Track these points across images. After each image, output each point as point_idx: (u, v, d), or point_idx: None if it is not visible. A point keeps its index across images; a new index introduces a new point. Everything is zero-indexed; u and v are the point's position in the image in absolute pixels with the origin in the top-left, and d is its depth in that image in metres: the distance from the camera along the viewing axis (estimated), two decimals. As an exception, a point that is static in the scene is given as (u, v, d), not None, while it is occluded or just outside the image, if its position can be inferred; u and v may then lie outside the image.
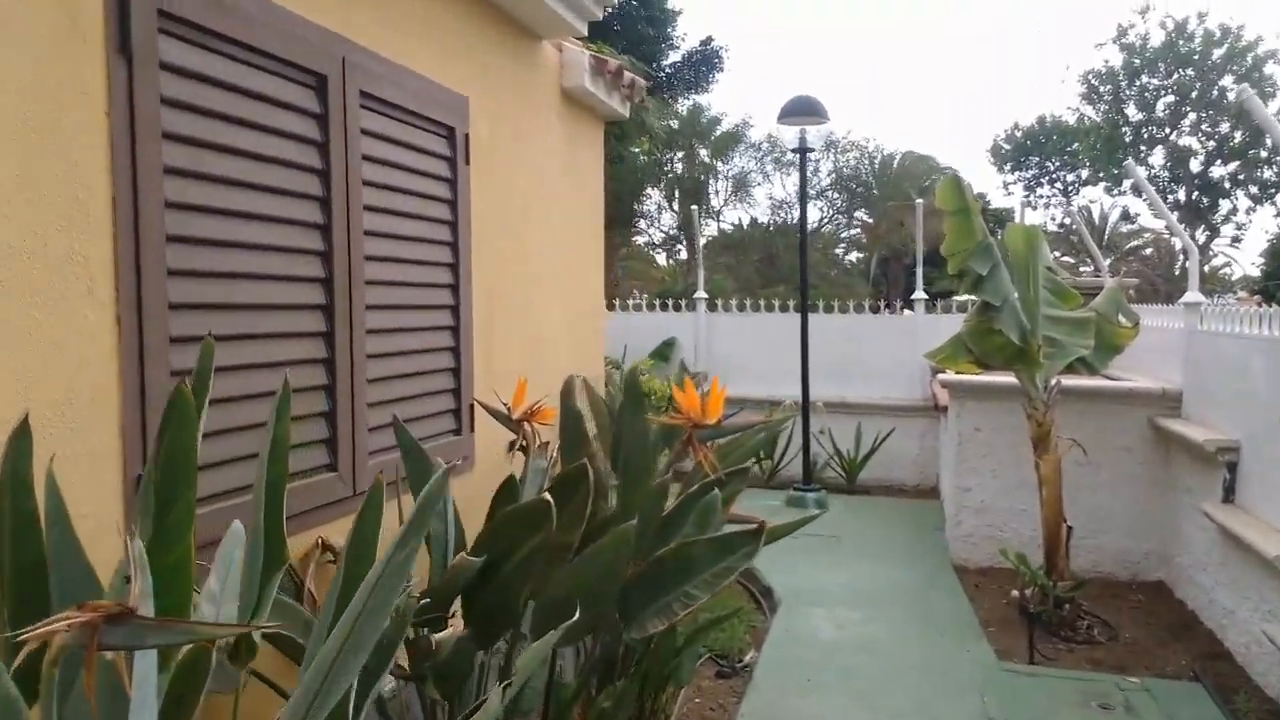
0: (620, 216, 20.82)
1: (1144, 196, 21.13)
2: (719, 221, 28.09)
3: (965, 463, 6.39)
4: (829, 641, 4.82)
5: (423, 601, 2.06)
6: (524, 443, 2.84)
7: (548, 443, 3.00)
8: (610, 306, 10.08)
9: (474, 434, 3.25)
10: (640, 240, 28.70)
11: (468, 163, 3.22)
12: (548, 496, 2.13)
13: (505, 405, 2.90)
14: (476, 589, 2.21)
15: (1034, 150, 30.28)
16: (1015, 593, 5.55)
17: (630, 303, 10.20)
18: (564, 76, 4.31)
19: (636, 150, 18.41)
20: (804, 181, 8.57)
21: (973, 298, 5.16)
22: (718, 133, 25.05)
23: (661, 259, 29.26)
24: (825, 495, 8.10)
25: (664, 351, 9.65)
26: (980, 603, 5.58)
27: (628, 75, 4.79)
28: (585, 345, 4.62)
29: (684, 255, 26.60)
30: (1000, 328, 4.78)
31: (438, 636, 2.18)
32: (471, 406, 3.20)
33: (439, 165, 3.05)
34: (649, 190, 23.56)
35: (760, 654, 4.70)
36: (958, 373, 5.57)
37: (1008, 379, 5.68)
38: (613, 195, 18.79)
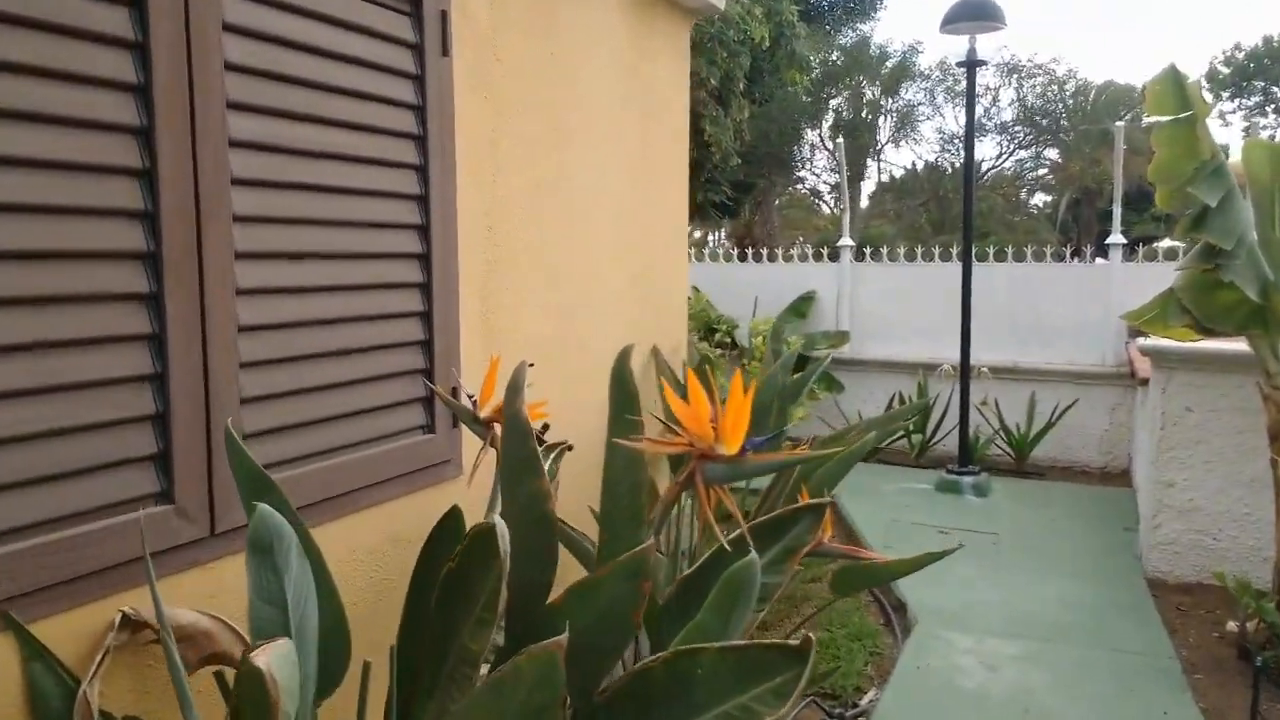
0: (775, 160, 19.47)
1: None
2: (881, 163, 26.07)
3: (1170, 451, 5.02)
4: (972, 690, 3.71)
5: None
6: (494, 446, 1.95)
7: (566, 445, 2.10)
8: (756, 257, 9.02)
9: (460, 429, 2.37)
10: (802, 188, 27.11)
11: (446, 54, 2.31)
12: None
13: (470, 398, 2.01)
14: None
15: (1259, 74, 26.29)
16: (1232, 626, 4.23)
17: (764, 252, 9.07)
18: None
19: (791, 87, 16.98)
20: (971, 100, 7.13)
21: (1181, 244, 3.82)
22: (886, 68, 23.03)
23: (826, 208, 27.53)
24: (987, 479, 6.82)
25: (800, 307, 8.50)
26: (1183, 636, 4.29)
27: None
28: (654, 308, 3.64)
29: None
30: (1231, 279, 3.45)
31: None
32: (455, 393, 2.32)
33: (394, 54, 2.15)
34: (808, 132, 21.94)
35: (878, 700, 3.67)
36: (1167, 338, 4.23)
37: (1236, 347, 4.30)
38: (764, 136, 17.51)
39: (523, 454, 1.49)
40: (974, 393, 7.30)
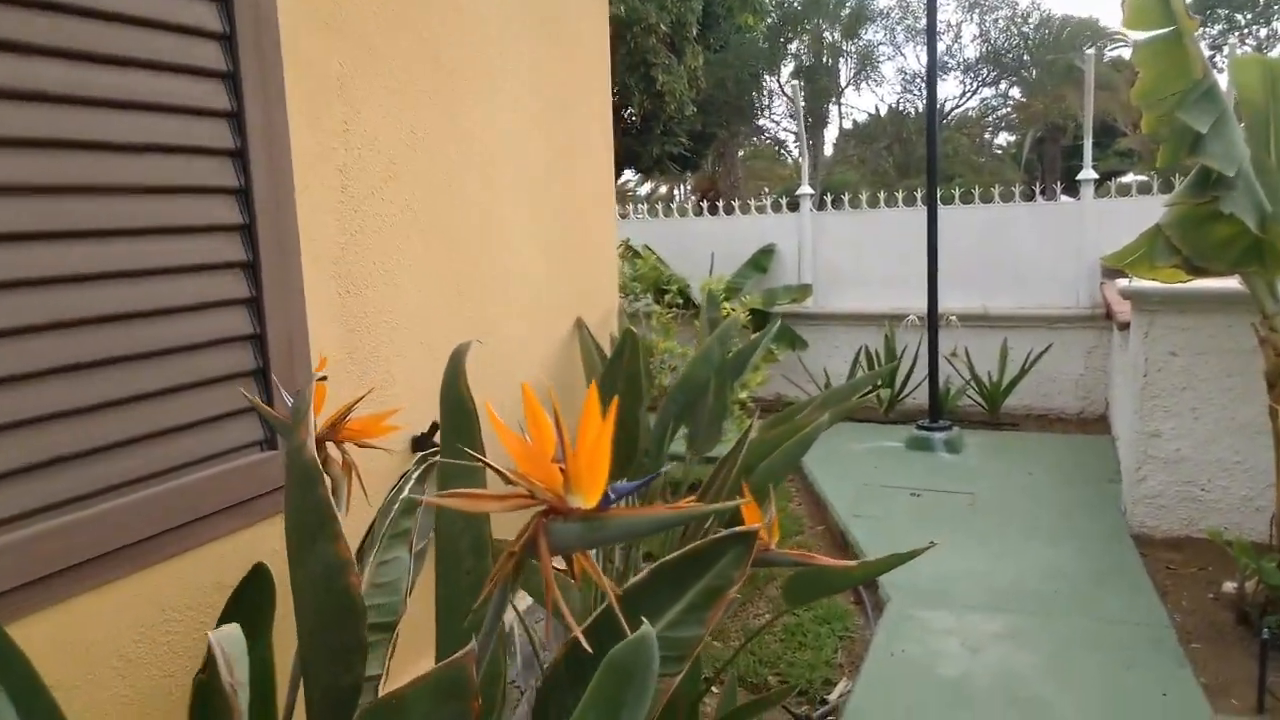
0: (734, 109, 18.85)
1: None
2: (843, 106, 25.49)
3: (1154, 399, 4.67)
4: (952, 678, 3.35)
5: None
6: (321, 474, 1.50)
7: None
8: (713, 210, 8.54)
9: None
10: (766, 138, 26.46)
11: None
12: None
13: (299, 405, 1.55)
14: None
15: (1220, 2, 25.86)
16: (1229, 586, 3.91)
17: (719, 204, 8.59)
18: None
19: (747, 32, 16.35)
20: (932, 36, 6.65)
21: (1147, 177, 3.40)
22: (846, 8, 22.36)
23: (791, 158, 26.92)
24: (959, 434, 6.46)
25: (760, 261, 8.07)
26: (1176, 599, 3.97)
27: None
28: (576, 274, 3.16)
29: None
30: (1230, 210, 3.04)
31: None
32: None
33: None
34: (767, 78, 21.30)
35: (850, 691, 3.30)
36: (1152, 279, 3.84)
37: (1225, 285, 3.95)
38: (721, 85, 16.88)
39: (309, 503, 1.05)
40: (943, 343, 6.93)
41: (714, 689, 3.27)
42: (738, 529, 1.37)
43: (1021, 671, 3.36)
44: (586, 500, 0.94)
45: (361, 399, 1.54)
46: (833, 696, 3.36)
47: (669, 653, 1.46)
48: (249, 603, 1.32)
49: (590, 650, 1.12)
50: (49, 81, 1.45)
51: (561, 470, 0.94)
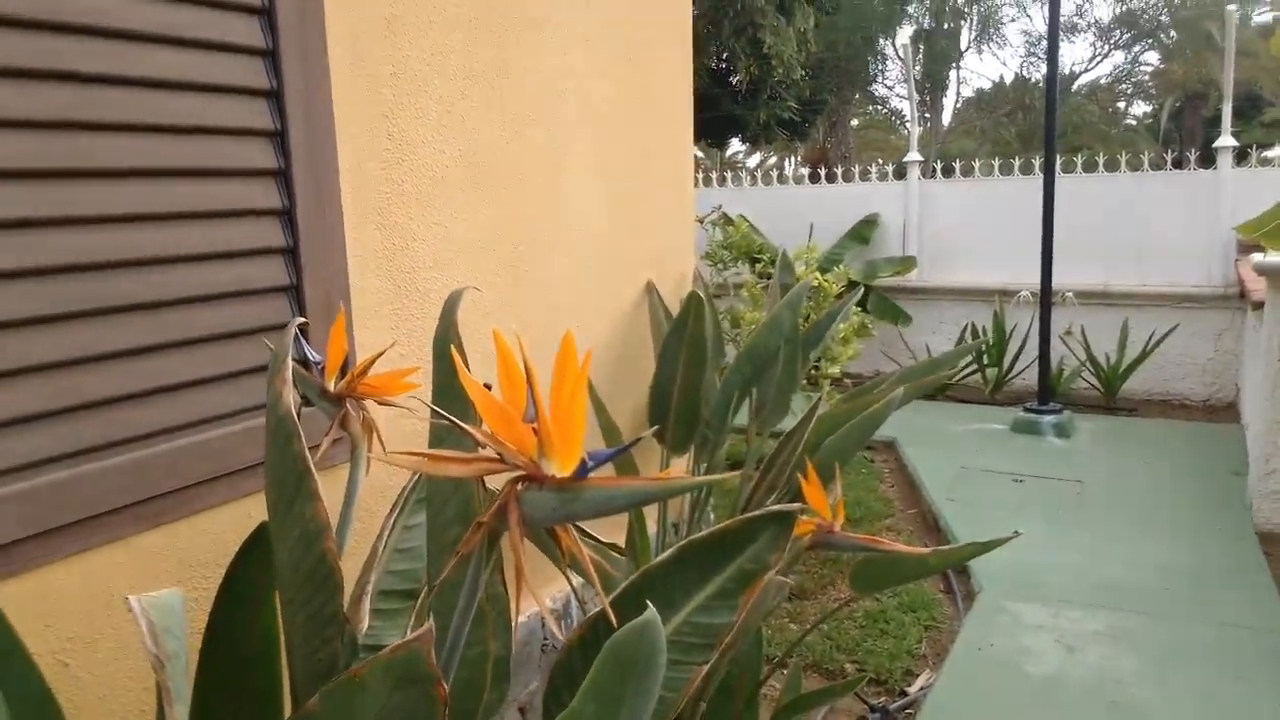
0: (848, 74, 18.21)
1: None
2: (962, 71, 24.33)
3: (1289, 386, 4.25)
4: (1045, 677, 3.12)
5: None
6: (339, 437, 1.42)
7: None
8: (814, 178, 8.24)
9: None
10: (883, 109, 25.57)
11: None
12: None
13: (318, 363, 1.48)
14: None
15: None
16: (1367, 594, 3.54)
17: (821, 172, 8.27)
18: None
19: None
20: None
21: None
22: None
23: (907, 129, 25.97)
24: (1070, 418, 6.06)
25: (862, 232, 7.74)
26: (1303, 605, 3.61)
27: None
28: (646, 235, 3.01)
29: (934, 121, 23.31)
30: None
31: None
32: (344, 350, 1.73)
33: None
34: (882, 43, 20.48)
35: (932, 684, 3.11)
36: (1289, 254, 3.46)
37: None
38: (834, 48, 16.31)
39: (286, 460, 0.96)
40: (1058, 321, 6.52)
41: (783, 672, 3.13)
42: (775, 507, 1.23)
43: (1121, 675, 3.10)
44: (561, 467, 0.82)
45: (383, 353, 1.46)
46: (913, 689, 3.18)
47: (697, 639, 1.33)
48: (254, 564, 1.26)
49: (615, 625, 1.01)
50: (73, 12, 1.39)
51: (535, 432, 0.82)
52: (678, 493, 0.92)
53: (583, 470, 0.81)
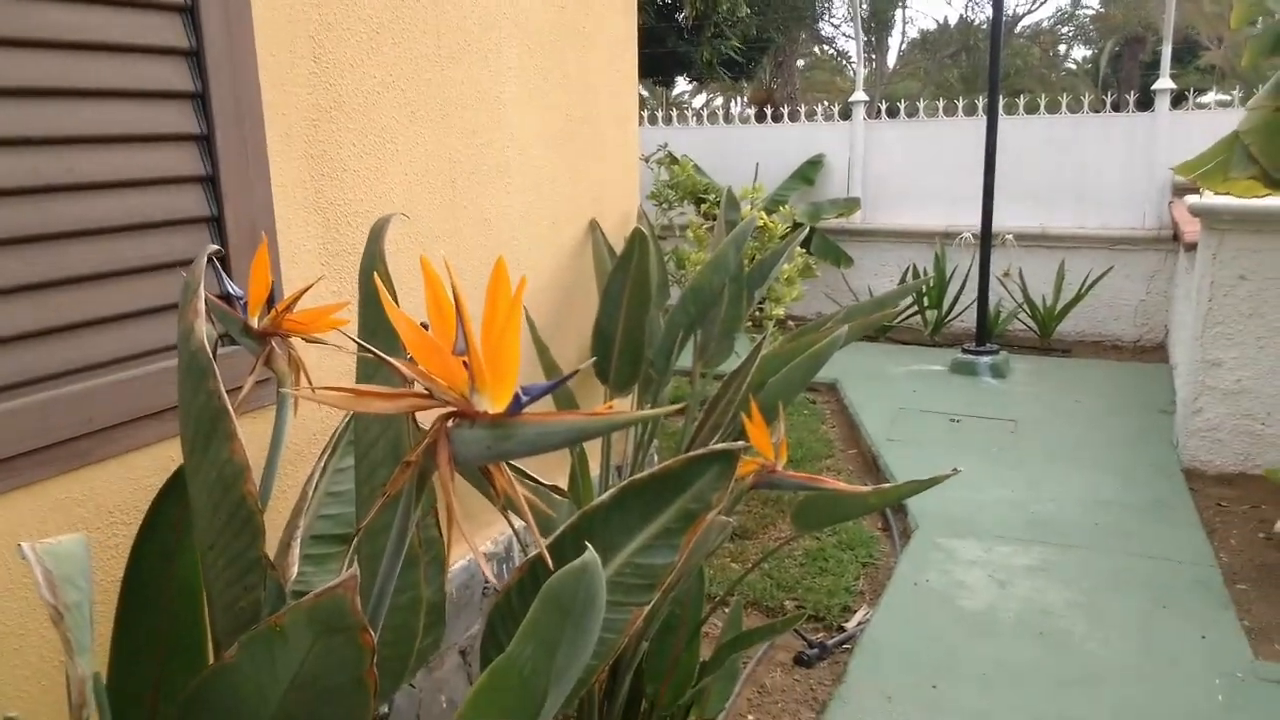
0: (794, 12, 17.98)
1: None
2: (907, 13, 24.25)
3: (1217, 326, 4.37)
4: (979, 611, 3.20)
5: None
6: (265, 378, 1.35)
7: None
8: (759, 118, 8.14)
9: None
10: (829, 49, 25.40)
11: None
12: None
13: (240, 298, 1.40)
14: None
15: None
16: (1282, 526, 3.69)
17: (767, 111, 8.19)
18: None
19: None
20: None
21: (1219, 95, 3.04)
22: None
23: (853, 70, 25.84)
24: (1006, 358, 6.18)
25: (807, 173, 7.72)
26: (1223, 538, 3.76)
27: None
28: (590, 171, 2.93)
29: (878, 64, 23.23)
30: (1321, 116, 2.71)
31: None
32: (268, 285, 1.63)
33: None
34: (828, -18, 20.27)
35: (869, 620, 3.17)
36: (1223, 194, 3.51)
37: (1307, 204, 3.61)
38: (781, -13, 16.03)
39: (200, 398, 0.90)
40: (997, 263, 6.62)
41: (724, 610, 3.16)
42: (719, 446, 1.20)
43: (1051, 606, 3.20)
44: (494, 402, 0.78)
45: (310, 287, 1.38)
46: (850, 624, 3.24)
47: (638, 580, 1.31)
48: (173, 509, 1.20)
49: (552, 568, 0.98)
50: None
51: (466, 366, 0.77)
52: (617, 428, 0.88)
53: (516, 405, 0.77)
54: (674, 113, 9.16)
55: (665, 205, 6.32)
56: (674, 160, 6.78)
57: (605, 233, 2.96)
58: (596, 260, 2.88)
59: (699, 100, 26.84)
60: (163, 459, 1.59)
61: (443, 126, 2.24)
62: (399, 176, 2.11)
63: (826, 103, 8.26)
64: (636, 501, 1.26)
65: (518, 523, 2.37)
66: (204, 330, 0.94)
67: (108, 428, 1.50)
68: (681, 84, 20.71)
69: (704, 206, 6.63)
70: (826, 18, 22.41)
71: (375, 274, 0.97)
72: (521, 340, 0.80)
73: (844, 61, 25.85)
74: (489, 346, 0.76)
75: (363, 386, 0.80)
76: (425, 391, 0.79)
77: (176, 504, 1.20)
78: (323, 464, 1.45)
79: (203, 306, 0.96)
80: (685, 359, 2.90)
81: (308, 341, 1.41)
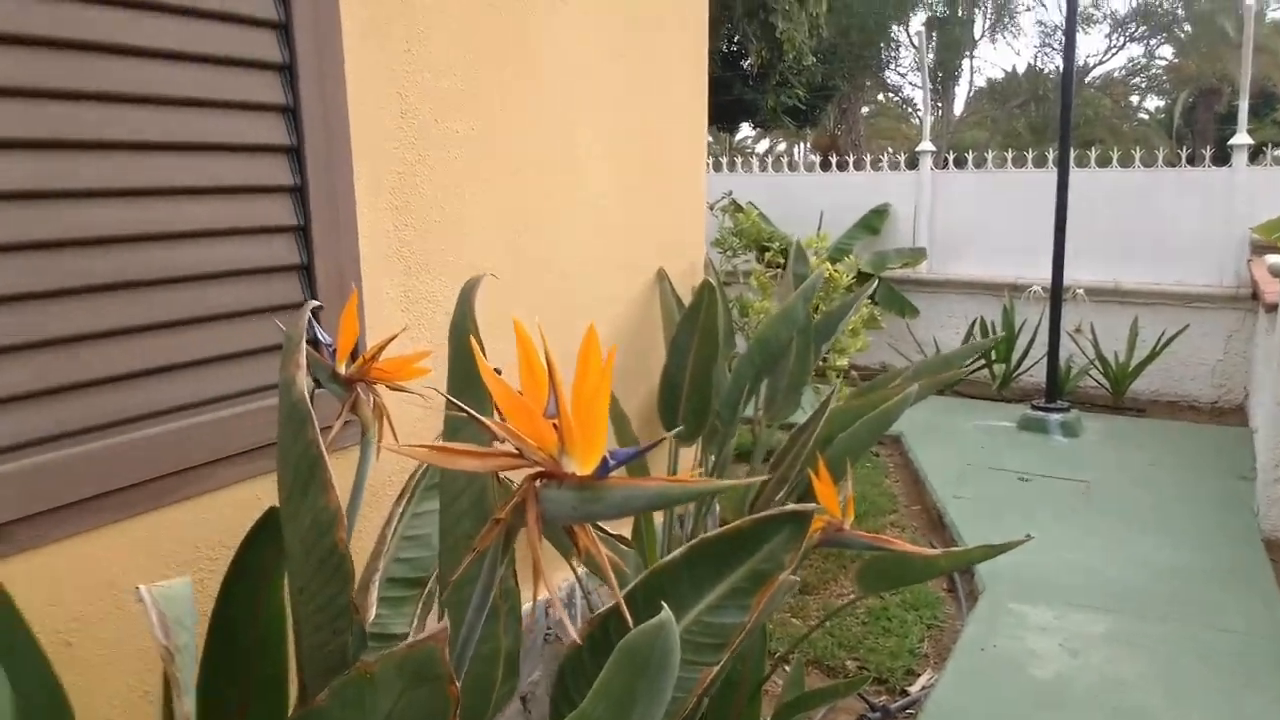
0: (860, 61, 18.07)
1: None
2: (975, 60, 24.17)
3: (1302, 391, 4.22)
4: (1049, 680, 3.09)
5: None
6: (349, 419, 1.39)
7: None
8: (824, 166, 8.17)
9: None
10: (894, 96, 25.42)
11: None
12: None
13: (329, 345, 1.45)
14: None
15: None
16: (1376, 604, 3.51)
17: (832, 160, 8.20)
18: None
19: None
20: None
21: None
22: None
23: (919, 118, 25.78)
24: (1078, 416, 6.03)
25: (872, 222, 7.68)
26: (1311, 615, 3.58)
27: None
28: (659, 221, 2.95)
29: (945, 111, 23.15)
30: None
31: None
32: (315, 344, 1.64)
33: None
34: (896, 30, 20.31)
35: (934, 684, 3.09)
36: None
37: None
38: (846, 34, 16.16)
39: (299, 447, 0.93)
40: (1067, 318, 6.47)
41: (785, 667, 3.11)
42: (791, 506, 1.20)
43: (1125, 679, 3.08)
44: (582, 464, 0.79)
45: (395, 337, 1.42)
46: (914, 688, 3.16)
47: (707, 639, 1.30)
48: (264, 549, 1.23)
49: (631, 623, 0.98)
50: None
51: (556, 428, 0.79)
52: (701, 496, 0.90)
53: (604, 469, 0.78)
54: (738, 159, 9.23)
55: (730, 252, 6.35)
56: (738, 208, 6.81)
57: (673, 280, 2.98)
58: (664, 309, 2.91)
59: (762, 146, 27.02)
60: (247, 497, 1.64)
61: (517, 179, 2.30)
62: (476, 227, 2.16)
63: (891, 151, 8.25)
64: (707, 560, 1.26)
65: (581, 570, 2.38)
66: (304, 382, 0.98)
67: (198, 466, 1.56)
68: (745, 129, 20.90)
69: (768, 254, 6.65)
70: (893, 67, 22.44)
71: (469, 335, 1.00)
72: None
73: (909, 108, 25.83)
74: (579, 410, 0.78)
75: (454, 445, 0.82)
76: (515, 451, 0.80)
77: (268, 545, 1.24)
78: (400, 509, 1.48)
79: (304, 359, 0.99)
80: (746, 408, 2.89)
81: (391, 389, 1.44)
